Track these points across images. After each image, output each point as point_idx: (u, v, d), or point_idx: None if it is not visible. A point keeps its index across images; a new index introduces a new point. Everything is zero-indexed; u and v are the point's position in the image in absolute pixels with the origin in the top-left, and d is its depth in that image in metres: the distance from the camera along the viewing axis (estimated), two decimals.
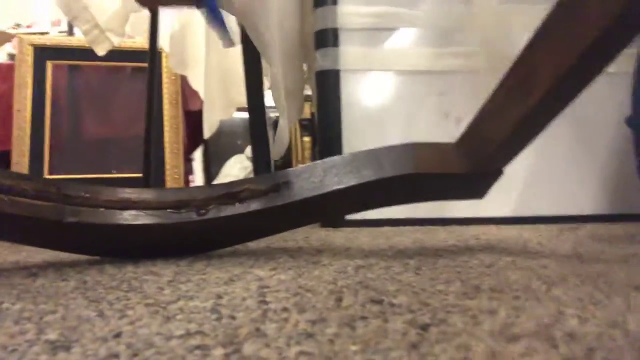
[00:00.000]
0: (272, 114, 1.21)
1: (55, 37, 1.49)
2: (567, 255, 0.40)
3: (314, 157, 1.85)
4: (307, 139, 1.96)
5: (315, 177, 0.37)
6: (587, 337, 0.18)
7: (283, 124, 0.75)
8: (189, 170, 2.19)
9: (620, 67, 0.60)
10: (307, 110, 1.41)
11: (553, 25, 0.27)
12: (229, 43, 0.40)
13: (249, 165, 2.11)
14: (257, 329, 0.21)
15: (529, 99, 0.28)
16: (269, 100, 0.82)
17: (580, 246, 0.46)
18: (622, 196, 0.72)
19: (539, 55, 0.28)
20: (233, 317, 0.22)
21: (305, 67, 0.82)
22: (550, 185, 0.72)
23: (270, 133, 0.85)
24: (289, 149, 1.06)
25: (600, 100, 0.69)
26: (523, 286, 0.28)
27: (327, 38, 0.71)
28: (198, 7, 0.32)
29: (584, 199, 0.72)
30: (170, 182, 1.53)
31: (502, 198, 0.69)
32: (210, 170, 2.34)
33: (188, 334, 0.20)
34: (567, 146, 0.71)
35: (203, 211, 0.36)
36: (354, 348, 0.18)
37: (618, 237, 0.54)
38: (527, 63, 0.29)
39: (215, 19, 0.32)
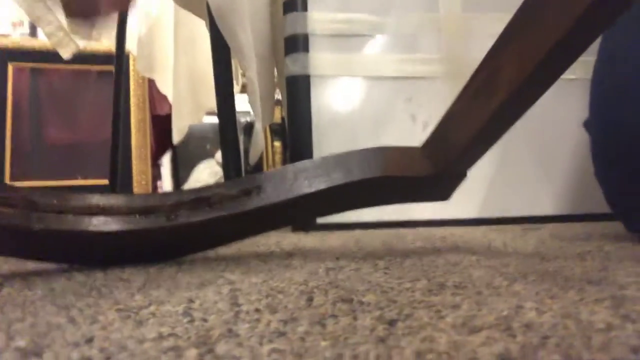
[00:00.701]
0: (242, 119, 1.21)
1: (17, 38, 1.45)
2: (529, 254, 0.42)
3: (285, 162, 1.85)
4: (277, 143, 1.96)
5: (286, 181, 0.38)
6: (543, 326, 0.20)
7: (259, 127, 0.75)
8: (157, 176, 2.16)
9: (579, 73, 0.64)
10: (278, 115, 1.41)
11: (516, 29, 0.29)
12: None
13: (219, 170, 2.09)
14: (230, 330, 0.21)
15: (491, 102, 0.30)
16: (239, 104, 0.83)
17: (541, 245, 0.48)
18: (582, 197, 0.75)
19: (502, 58, 0.29)
20: (205, 320, 0.23)
21: (275, 72, 0.82)
22: (513, 187, 0.74)
23: (240, 138, 0.85)
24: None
25: (561, 104, 0.72)
26: (485, 282, 0.29)
27: (297, 44, 0.72)
28: None
29: (546, 200, 0.75)
30: (137, 188, 1.51)
31: (467, 200, 0.71)
32: (179, 176, 2.31)
33: (161, 337, 0.20)
34: (529, 149, 0.74)
35: (173, 216, 0.36)
36: (324, 344, 0.18)
37: (577, 235, 0.56)
38: (491, 66, 0.30)
39: None
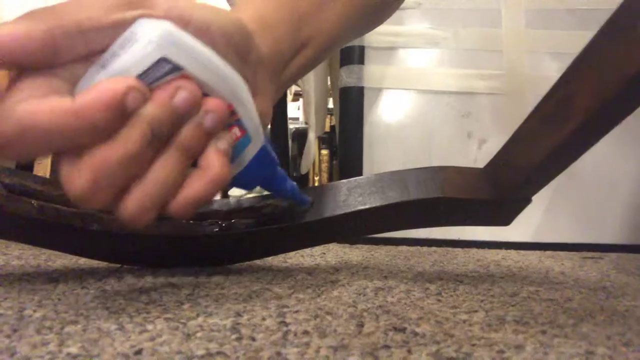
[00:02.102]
0: (292, 126, 1.22)
1: None
2: (592, 288, 0.39)
3: (331, 170, 1.85)
4: (324, 151, 1.96)
5: (340, 197, 0.37)
6: None
7: (312, 138, 0.75)
8: None
9: None
10: (327, 123, 1.41)
11: (594, 52, 0.27)
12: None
13: None
14: (279, 353, 0.20)
15: (562, 129, 0.28)
16: (289, 111, 0.83)
17: (605, 278, 0.45)
18: None
19: (578, 82, 0.27)
20: (253, 339, 0.22)
21: (328, 82, 0.82)
22: (571, 212, 0.70)
23: (290, 145, 0.85)
24: None
25: (627, 127, 0.68)
26: (549, 320, 0.27)
27: (352, 55, 0.71)
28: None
29: (605, 227, 0.70)
30: None
31: (521, 223, 0.68)
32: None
33: (209, 354, 0.20)
34: (588, 172, 0.70)
35: (226, 225, 0.36)
36: None
37: None
38: (565, 90, 0.28)
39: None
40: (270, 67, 0.31)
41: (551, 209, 0.70)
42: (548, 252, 0.66)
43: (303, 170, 0.79)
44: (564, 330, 0.25)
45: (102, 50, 0.23)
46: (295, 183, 0.35)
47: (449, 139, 0.71)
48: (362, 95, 0.71)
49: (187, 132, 0.24)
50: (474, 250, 0.65)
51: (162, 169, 0.24)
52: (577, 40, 0.28)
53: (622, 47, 0.25)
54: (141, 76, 0.23)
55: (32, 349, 0.20)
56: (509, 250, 0.67)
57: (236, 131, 0.27)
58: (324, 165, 1.95)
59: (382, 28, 0.71)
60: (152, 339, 0.22)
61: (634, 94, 0.25)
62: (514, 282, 0.40)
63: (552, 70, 0.69)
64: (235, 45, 0.27)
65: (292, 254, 0.52)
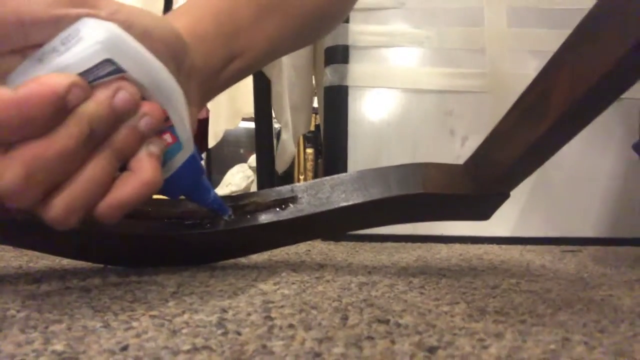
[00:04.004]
0: (277, 125, 1.21)
1: None
2: (571, 280, 0.40)
3: (316, 169, 1.85)
4: (310, 150, 1.97)
5: (322, 194, 0.37)
6: None
7: (286, 137, 0.75)
8: None
9: (629, 93, 0.61)
10: (312, 122, 1.41)
11: (571, 49, 0.28)
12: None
13: (251, 174, 2.11)
14: (264, 346, 0.21)
15: (540, 124, 0.29)
16: None
17: (583, 269, 0.46)
18: (623, 220, 0.72)
19: (555, 78, 0.28)
20: (239, 333, 0.22)
21: (313, 80, 0.83)
22: (550, 207, 0.72)
23: (275, 143, 0.86)
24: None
25: (604, 124, 0.70)
26: (528, 309, 0.28)
27: (337, 54, 0.71)
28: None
29: (584, 221, 0.72)
30: None
31: (503, 218, 0.69)
32: (212, 178, 2.35)
33: (195, 349, 0.20)
34: (567, 167, 0.71)
35: (208, 224, 0.36)
36: None
37: (621, 261, 0.54)
38: (541, 88, 0.29)
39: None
40: (201, 78, 0.31)
41: (531, 203, 0.71)
42: (529, 247, 0.67)
43: (279, 169, 0.79)
44: (542, 319, 0.26)
45: (40, 45, 0.23)
46: (217, 193, 0.35)
47: (432, 137, 0.72)
48: (346, 94, 0.71)
49: (122, 134, 0.24)
50: (457, 245, 0.66)
51: (94, 169, 0.24)
52: (558, 39, 0.29)
53: (591, 48, 0.25)
54: (82, 74, 0.23)
55: (17, 347, 0.20)
56: (491, 245, 0.68)
57: (168, 137, 0.27)
58: (309, 164, 1.95)
59: (366, 27, 0.72)
60: (138, 335, 0.22)
61: (605, 91, 0.26)
62: (496, 275, 0.41)
63: (533, 69, 0.70)
64: (172, 54, 0.28)
65: (277, 251, 0.53)
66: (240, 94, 1.06)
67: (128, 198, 0.25)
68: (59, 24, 0.23)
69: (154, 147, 0.26)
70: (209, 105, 1.14)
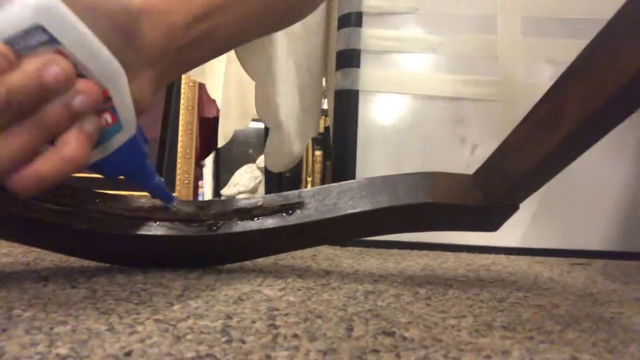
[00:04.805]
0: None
1: None
2: (579, 295, 0.39)
3: (324, 171, 1.85)
4: (318, 152, 1.96)
5: (329, 200, 0.37)
6: None
7: (277, 139, 0.74)
8: (198, 176, 2.20)
9: None
10: (321, 125, 1.41)
11: (585, 63, 0.27)
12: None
13: (259, 175, 2.12)
14: (268, 356, 0.20)
15: (552, 137, 0.28)
16: None
17: (592, 284, 0.45)
18: (634, 234, 0.71)
19: (569, 91, 0.28)
20: (243, 341, 0.22)
21: (324, 83, 0.82)
22: (559, 218, 0.71)
23: None
24: (299, 162, 1.06)
25: (618, 134, 0.69)
26: (536, 326, 0.28)
27: (349, 58, 0.71)
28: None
29: (593, 234, 0.71)
30: (180, 187, 1.54)
31: (511, 228, 0.68)
32: (220, 178, 2.36)
33: (199, 357, 0.20)
34: (577, 179, 0.71)
35: (215, 226, 0.36)
36: None
37: (630, 276, 0.53)
38: (556, 99, 0.29)
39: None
40: (157, 56, 0.30)
41: (540, 214, 0.70)
42: (537, 258, 0.67)
43: (275, 170, 0.79)
44: (550, 337, 0.26)
45: None
46: (162, 180, 0.34)
47: (442, 144, 0.71)
48: (357, 98, 0.71)
49: (51, 109, 0.23)
50: (464, 255, 0.65)
51: (13, 140, 0.23)
52: (572, 49, 0.29)
53: (607, 61, 0.25)
54: (11, 41, 0.22)
55: (22, 349, 0.20)
56: (499, 255, 0.67)
57: (108, 117, 0.26)
58: (317, 166, 1.95)
59: (379, 32, 0.72)
60: (142, 340, 0.22)
61: (619, 107, 0.26)
62: (503, 287, 0.40)
63: (546, 78, 0.69)
64: (120, 29, 0.26)
65: (282, 255, 0.53)
66: (250, 95, 1.06)
67: (46, 172, 0.24)
68: None
69: (87, 125, 0.25)
70: (219, 105, 1.14)
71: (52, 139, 0.24)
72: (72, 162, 0.24)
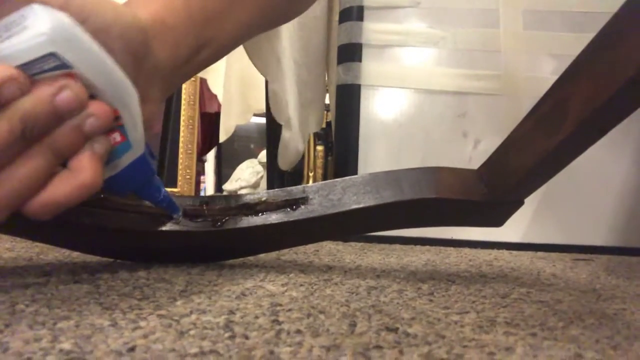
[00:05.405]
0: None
1: None
2: (582, 290, 0.39)
3: (326, 166, 1.85)
4: (320, 147, 1.96)
5: (334, 195, 0.37)
6: None
7: (289, 135, 0.75)
8: (200, 171, 2.20)
9: None
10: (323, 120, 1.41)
11: (590, 57, 0.27)
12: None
13: (260, 170, 2.11)
14: (271, 352, 0.20)
15: (557, 132, 0.28)
16: None
17: (596, 280, 0.45)
18: (638, 230, 0.71)
19: (573, 87, 0.28)
20: (246, 337, 0.22)
21: (326, 77, 0.82)
22: (562, 214, 0.71)
23: None
24: (301, 157, 1.06)
25: (622, 129, 0.69)
26: (539, 322, 0.28)
27: (350, 53, 0.71)
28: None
29: (596, 229, 0.71)
30: (182, 182, 1.54)
31: (514, 223, 0.68)
32: (222, 173, 2.35)
33: (202, 353, 0.20)
34: (581, 175, 0.70)
35: (219, 222, 0.36)
36: None
37: (634, 272, 0.53)
38: (559, 95, 0.29)
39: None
40: (165, 72, 0.30)
41: (543, 209, 0.70)
42: (540, 253, 0.67)
43: (283, 167, 0.79)
44: (553, 333, 0.26)
45: None
46: (167, 192, 0.34)
47: (445, 138, 0.71)
48: (359, 92, 0.71)
49: (63, 132, 0.23)
50: (466, 250, 0.65)
51: (27, 166, 0.23)
52: (574, 43, 0.28)
53: (612, 55, 0.25)
54: (24, 66, 0.21)
55: (25, 344, 0.20)
56: (501, 251, 0.67)
57: (117, 136, 0.26)
58: (319, 161, 1.94)
59: (381, 26, 0.71)
60: (146, 336, 0.22)
61: (624, 101, 0.25)
62: (506, 283, 0.40)
63: (549, 72, 0.69)
64: (132, 50, 0.26)
65: (285, 250, 0.53)
66: (251, 91, 1.06)
67: (63, 198, 0.24)
68: (3, 7, 0.21)
69: (98, 147, 0.25)
70: (221, 100, 1.14)
71: (63, 161, 0.24)
72: (87, 187, 0.24)
